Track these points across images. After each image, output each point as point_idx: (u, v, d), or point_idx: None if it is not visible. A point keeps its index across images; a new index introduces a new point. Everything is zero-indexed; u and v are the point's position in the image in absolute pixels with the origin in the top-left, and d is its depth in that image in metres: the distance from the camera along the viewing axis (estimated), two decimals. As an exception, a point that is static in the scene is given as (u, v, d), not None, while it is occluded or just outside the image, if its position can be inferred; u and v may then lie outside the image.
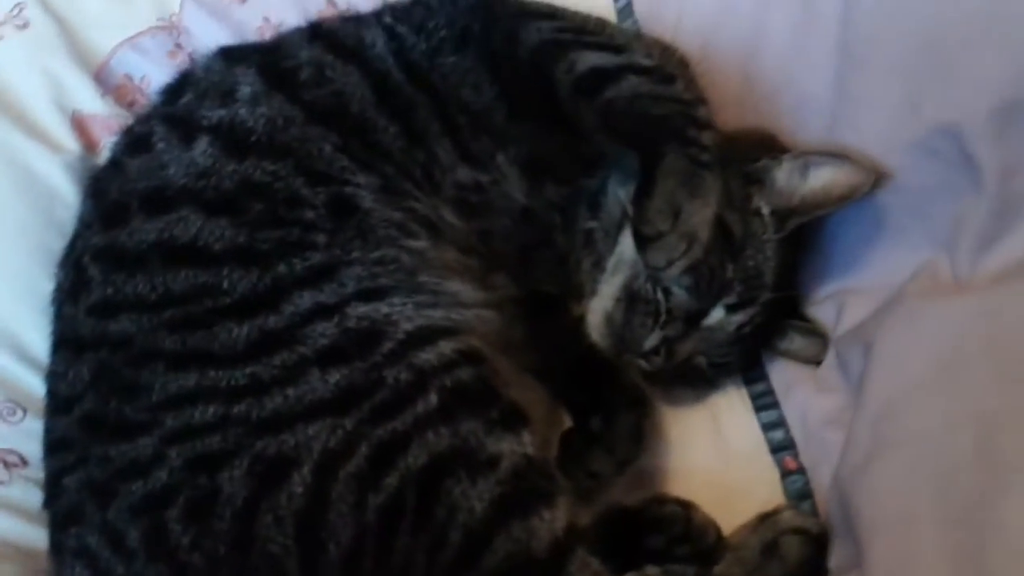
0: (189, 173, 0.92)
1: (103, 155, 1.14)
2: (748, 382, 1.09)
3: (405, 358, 0.85)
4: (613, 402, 0.95)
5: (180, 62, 1.26)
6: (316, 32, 1.06)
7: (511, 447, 0.83)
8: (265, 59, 1.01)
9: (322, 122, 0.96)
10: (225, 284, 0.87)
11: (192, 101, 0.98)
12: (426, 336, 0.87)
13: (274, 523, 0.79)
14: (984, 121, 0.90)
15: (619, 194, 1.04)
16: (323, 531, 0.79)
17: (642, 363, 1.00)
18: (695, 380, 1.06)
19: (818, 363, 1.05)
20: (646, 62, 1.01)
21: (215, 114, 0.95)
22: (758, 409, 1.06)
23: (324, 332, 0.85)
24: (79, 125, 1.17)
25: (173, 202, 0.91)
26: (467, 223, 1.00)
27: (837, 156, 0.99)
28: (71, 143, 1.14)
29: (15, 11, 1.24)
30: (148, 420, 0.83)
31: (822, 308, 1.07)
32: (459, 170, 1.00)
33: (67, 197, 1.09)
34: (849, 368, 0.98)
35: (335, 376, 0.83)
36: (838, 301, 1.05)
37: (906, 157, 0.97)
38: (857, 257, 1.04)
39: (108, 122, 1.18)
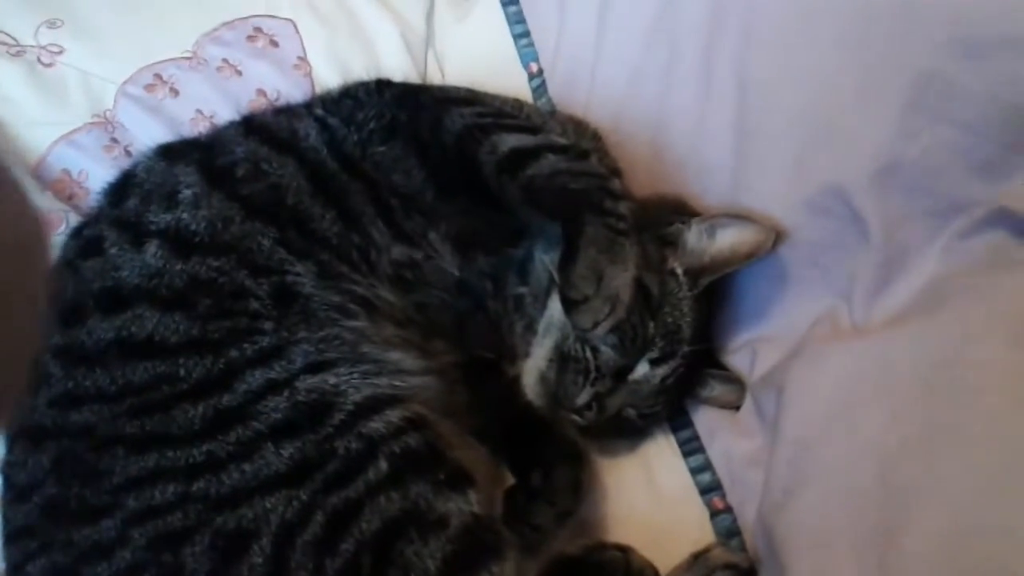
0: (142, 274, 0.97)
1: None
2: (675, 429, 1.17)
3: (355, 428, 0.90)
4: (551, 457, 1.02)
5: (116, 156, 1.31)
6: (250, 126, 1.12)
7: (458, 506, 0.88)
8: (203, 156, 1.07)
9: (260, 217, 1.02)
10: (181, 372, 0.91)
11: (138, 205, 1.03)
12: (373, 405, 0.92)
13: None
14: (866, 180, 1.01)
15: (545, 261, 1.12)
16: None
17: (576, 418, 1.07)
18: (626, 431, 1.13)
19: (737, 408, 1.13)
20: (561, 140, 1.11)
21: (161, 219, 1.00)
22: (686, 454, 1.14)
23: (276, 407, 0.90)
24: (20, 222, 1.20)
25: (128, 301, 0.95)
26: (404, 298, 1.07)
27: (740, 218, 1.09)
28: (14, 240, 1.18)
29: (-49, 110, 1.28)
30: (110, 503, 0.87)
31: (737, 356, 1.16)
32: (394, 249, 1.07)
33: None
34: (764, 411, 1.06)
35: (288, 449, 0.88)
36: (751, 349, 1.14)
37: (801, 215, 1.07)
38: (765, 308, 1.14)
39: (49, 217, 1.22)
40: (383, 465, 0.89)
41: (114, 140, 1.33)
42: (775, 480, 0.96)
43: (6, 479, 0.96)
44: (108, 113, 1.34)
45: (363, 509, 0.86)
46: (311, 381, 0.92)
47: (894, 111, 0.97)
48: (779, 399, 1.00)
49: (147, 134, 1.31)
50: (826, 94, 1.04)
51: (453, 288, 1.11)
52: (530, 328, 1.12)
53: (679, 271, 1.10)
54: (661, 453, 1.14)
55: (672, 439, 1.16)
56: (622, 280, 0.98)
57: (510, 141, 1.06)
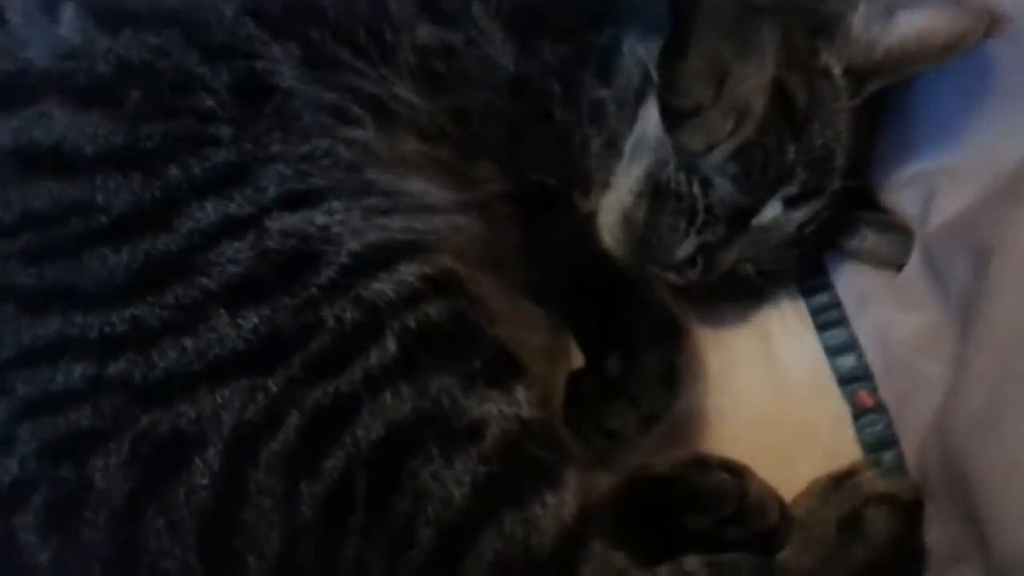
0: (54, 54, 0.68)
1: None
2: (807, 293, 0.85)
3: (351, 289, 0.62)
4: (636, 333, 0.72)
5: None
6: None
7: (500, 408, 0.62)
8: None
9: None
10: (99, 198, 0.63)
11: None
12: (380, 257, 0.64)
13: (168, 530, 0.57)
14: None
15: (639, 52, 0.78)
16: (237, 538, 0.58)
17: (672, 276, 0.76)
18: (739, 291, 0.82)
19: (899, 267, 0.81)
20: None
21: None
22: (821, 328, 0.83)
23: (235, 256, 0.62)
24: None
25: (34, 92, 0.67)
26: (434, 100, 0.75)
27: (936, -6, 0.73)
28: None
29: None
30: None
31: (903, 194, 0.81)
32: (420, 28, 0.74)
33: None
34: (946, 277, 0.74)
35: (252, 319, 0.60)
36: (926, 185, 0.79)
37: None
38: (954, 126, 0.78)
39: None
40: (391, 345, 0.61)
41: None
42: (973, 388, 0.64)
43: None
44: None
45: (360, 409, 0.60)
46: (289, 220, 0.63)
47: None
48: (980, 266, 0.68)
49: None
50: None
51: (506, 88, 0.78)
52: (612, 147, 0.80)
53: (836, 70, 0.75)
54: (786, 324, 0.84)
55: (802, 305, 0.85)
56: (755, 82, 0.71)
57: None
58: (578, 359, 0.76)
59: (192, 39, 0.68)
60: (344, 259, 0.62)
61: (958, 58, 0.73)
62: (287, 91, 0.68)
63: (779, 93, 0.72)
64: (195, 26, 0.69)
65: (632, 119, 0.79)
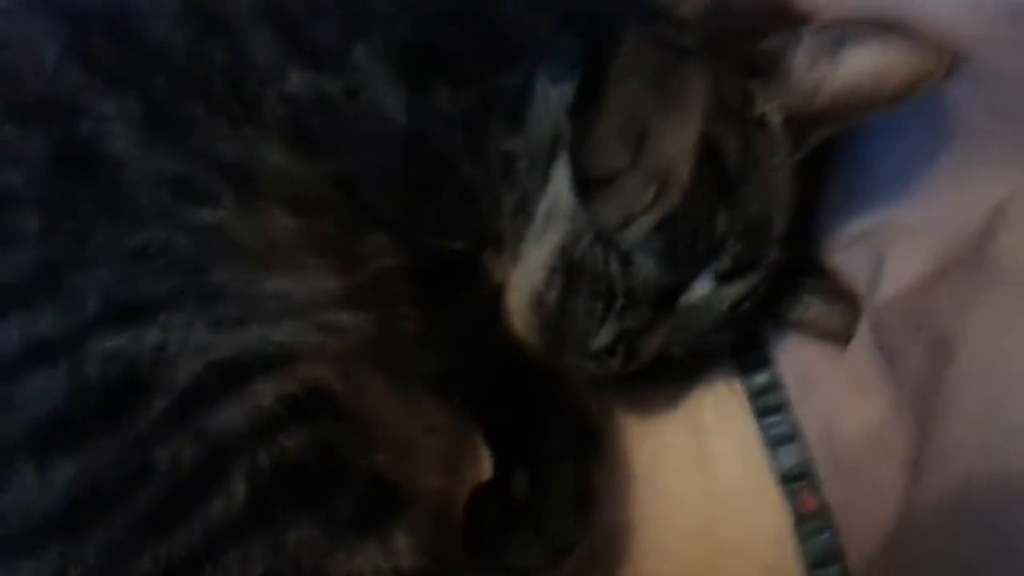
0: None
1: None
2: (745, 371, 0.76)
3: (190, 422, 0.51)
4: (547, 444, 0.62)
5: None
6: None
7: (374, 562, 0.51)
8: None
9: (44, 7, 0.59)
10: None
11: None
12: (228, 377, 0.53)
13: None
14: None
15: (551, 99, 0.68)
16: None
17: (590, 367, 0.67)
18: (668, 374, 0.73)
19: (846, 341, 0.72)
20: None
21: None
22: (761, 414, 0.74)
23: (45, 390, 0.50)
24: None
25: None
26: (309, 164, 0.63)
27: (885, 31, 0.64)
28: None
29: None
30: None
31: (850, 254, 0.73)
32: (290, 75, 0.63)
33: None
34: (899, 361, 0.66)
35: (65, 469, 0.49)
36: (876, 245, 0.71)
37: (993, 26, 0.64)
38: (907, 177, 0.70)
39: None
40: (239, 490, 0.50)
41: None
42: (933, 505, 0.56)
43: None
44: None
45: (200, 572, 0.48)
46: (113, 341, 0.51)
47: None
48: (939, 358, 0.59)
49: None
50: None
51: (398, 144, 0.67)
52: (523, 209, 0.70)
53: (775, 119, 0.66)
54: (721, 412, 0.75)
55: (738, 387, 0.76)
56: (680, 140, 0.62)
57: None
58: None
59: (4, 91, 0.57)
60: (182, 383, 0.51)
61: (913, 101, 0.64)
62: (118, 161, 0.56)
63: (708, 152, 0.63)
64: (7, 76, 0.57)
65: (545, 178, 0.69)
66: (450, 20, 0.67)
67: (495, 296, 0.70)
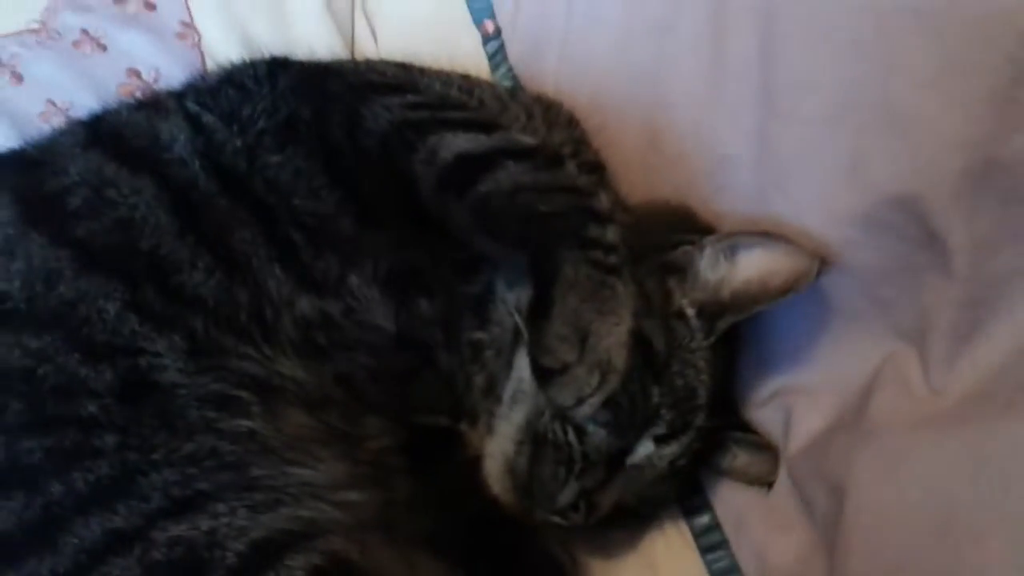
0: None
1: None
2: (689, 514, 0.89)
3: None
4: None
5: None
6: (96, 131, 0.82)
7: None
8: (23, 179, 0.77)
9: (102, 270, 0.73)
10: None
11: None
12: (267, 553, 0.64)
13: None
14: (948, 187, 0.72)
15: (509, 301, 0.83)
16: None
17: (557, 520, 0.79)
18: (623, 520, 0.85)
19: (769, 485, 0.86)
20: (526, 140, 0.81)
21: None
22: (704, 550, 0.87)
23: (126, 571, 0.61)
24: None
25: None
26: (318, 371, 0.77)
27: (770, 237, 0.80)
28: None
29: None
30: None
31: (765, 411, 0.88)
32: (299, 303, 0.77)
33: None
34: (811, 502, 0.79)
35: None
36: (784, 405, 0.86)
37: (854, 231, 0.79)
38: (805, 349, 0.86)
39: None
40: None
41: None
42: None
43: None
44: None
45: None
46: (174, 528, 0.63)
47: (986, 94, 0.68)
48: (835, 500, 0.73)
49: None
50: (894, 66, 0.74)
51: (388, 346, 0.81)
52: (492, 390, 0.84)
53: (690, 312, 0.81)
54: (672, 549, 0.88)
55: (685, 528, 0.88)
56: (615, 337, 0.72)
57: (455, 144, 0.78)
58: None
59: (74, 339, 0.69)
60: (231, 562, 0.63)
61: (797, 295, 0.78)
62: (170, 387, 0.69)
63: (638, 342, 0.75)
64: (76, 326, 0.70)
65: (509, 363, 0.83)
66: (422, 246, 0.82)
67: (473, 463, 0.83)
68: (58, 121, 1.02)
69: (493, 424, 0.82)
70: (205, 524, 0.64)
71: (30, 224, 0.73)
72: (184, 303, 0.73)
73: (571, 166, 0.81)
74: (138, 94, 1.00)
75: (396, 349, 0.82)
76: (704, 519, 0.88)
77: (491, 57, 1.14)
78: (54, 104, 1.04)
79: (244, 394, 0.72)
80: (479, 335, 0.85)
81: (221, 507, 0.65)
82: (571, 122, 0.96)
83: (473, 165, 0.76)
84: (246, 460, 0.69)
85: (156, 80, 1.07)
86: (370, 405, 0.81)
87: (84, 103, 1.01)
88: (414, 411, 0.84)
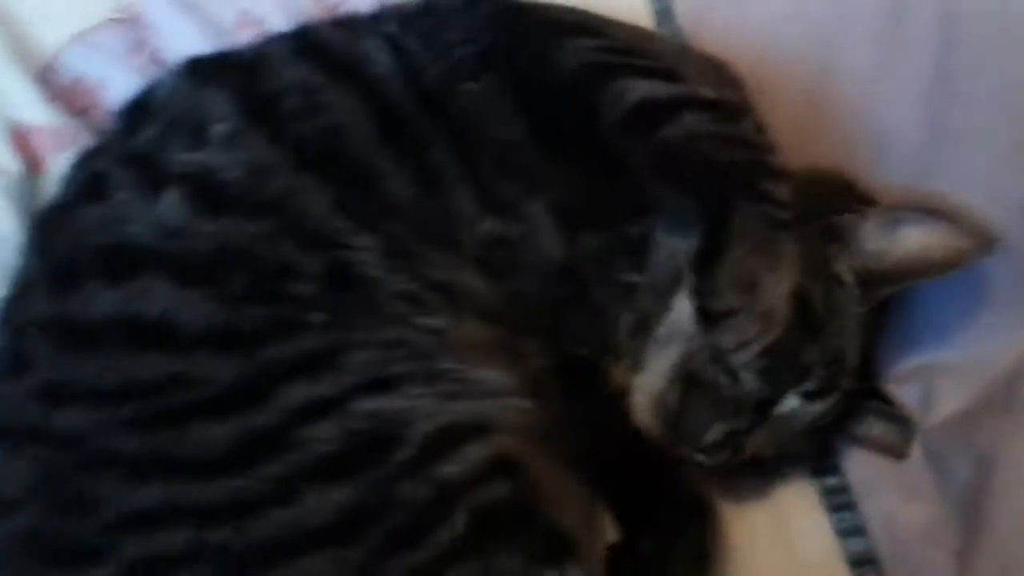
0: (156, 232, 0.74)
1: (50, 177, 0.95)
2: (818, 474, 0.92)
3: (424, 469, 0.68)
4: (670, 514, 0.79)
5: (142, 63, 1.07)
6: (304, 43, 0.87)
7: None
8: (242, 80, 0.83)
9: (313, 169, 0.78)
10: (200, 373, 0.69)
11: (156, 138, 0.80)
12: (450, 439, 0.70)
13: None
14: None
15: (670, 246, 0.87)
16: None
17: (701, 457, 0.83)
18: (756, 471, 0.89)
19: (902, 455, 0.89)
20: (708, 94, 0.85)
21: (184, 160, 0.78)
22: (831, 509, 0.90)
23: (324, 435, 0.68)
24: (19, 139, 0.97)
25: (137, 267, 0.73)
26: (493, 285, 0.83)
27: (934, 215, 0.82)
28: (10, 162, 0.94)
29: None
30: (102, 545, 0.65)
31: (903, 388, 0.90)
32: (484, 222, 0.83)
33: (4, 227, 0.89)
34: (949, 474, 0.81)
35: (337, 493, 0.66)
36: (924, 380, 0.88)
37: (1013, 214, 0.81)
38: (950, 327, 0.87)
39: (56, 135, 0.99)
40: (460, 523, 0.67)
41: (140, 43, 1.08)
42: (983, 570, 0.72)
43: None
44: (133, 8, 1.09)
45: None
46: (369, 404, 0.69)
47: None
48: (981, 470, 0.76)
49: (181, 38, 1.08)
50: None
51: (554, 274, 0.86)
52: (642, 328, 0.87)
53: (848, 278, 0.84)
54: (800, 504, 0.90)
55: (814, 486, 0.91)
56: (780, 290, 0.75)
57: (640, 88, 0.82)
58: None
59: (288, 228, 0.75)
60: (418, 441, 0.68)
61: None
62: (372, 280, 0.75)
63: (799, 299, 0.78)
64: (290, 217, 0.76)
65: (663, 305, 0.86)
66: (595, 184, 0.87)
67: (617, 396, 0.88)
68: (250, 31, 1.08)
69: (643, 360, 0.86)
70: (397, 403, 0.70)
71: (250, 121, 0.79)
72: (383, 208, 0.79)
73: (749, 121, 0.84)
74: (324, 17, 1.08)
75: (558, 278, 0.86)
76: (833, 480, 0.91)
77: (657, 16, 1.17)
78: (248, 16, 1.09)
79: (432, 296, 0.78)
80: (634, 277, 0.89)
81: (412, 390, 0.71)
82: (736, 84, 0.98)
83: (656, 110, 0.80)
84: (434, 353, 0.74)
85: (339, 2, 1.12)
86: (530, 327, 0.86)
87: (275, 21, 1.08)
88: (564, 339, 0.88)
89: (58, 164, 0.95)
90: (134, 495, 0.66)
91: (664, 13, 1.17)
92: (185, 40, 1.06)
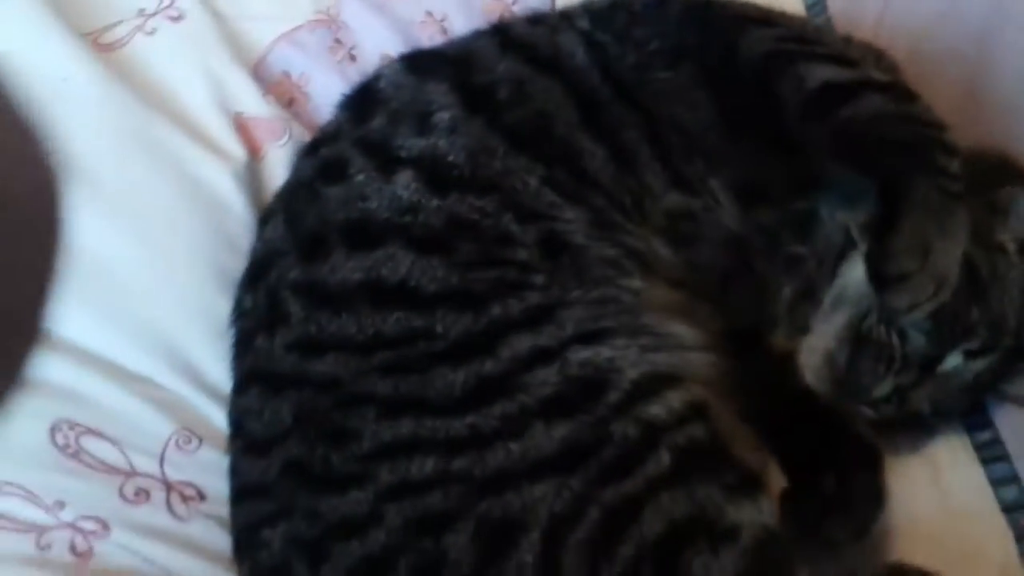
0: (392, 208, 0.86)
1: (268, 163, 1.08)
2: (971, 429, 0.99)
3: (632, 411, 0.77)
4: (847, 457, 0.87)
5: (340, 59, 1.19)
6: (506, 39, 0.98)
7: (751, 516, 0.76)
8: (457, 73, 0.94)
9: (526, 150, 0.89)
10: (439, 327, 0.80)
11: (385, 126, 0.92)
12: (652, 386, 0.79)
13: None
14: None
15: (838, 219, 0.95)
16: None
17: (867, 411, 0.91)
18: (912, 426, 0.96)
19: (1054, 415, 0.95)
20: (883, 77, 0.92)
21: (413, 144, 0.89)
22: (985, 461, 0.96)
23: (546, 380, 0.78)
24: (242, 128, 1.09)
25: (378, 238, 0.84)
26: (677, 254, 0.92)
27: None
28: (237, 149, 1.07)
29: (168, 1, 1.17)
30: (360, 472, 0.77)
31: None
32: (670, 196, 0.92)
33: (237, 209, 1.02)
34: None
35: (560, 430, 0.76)
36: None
37: None
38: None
39: (271, 125, 1.11)
40: (665, 458, 0.76)
41: (338, 41, 1.20)
42: None
43: (239, 426, 0.88)
44: (332, 10, 1.21)
45: (644, 508, 0.74)
46: (584, 353, 0.79)
47: None
48: None
49: (372, 36, 1.19)
50: None
51: (725, 245, 0.95)
52: (806, 296, 0.96)
53: (1011, 247, 0.91)
54: (954, 457, 0.97)
55: (967, 441, 0.98)
56: (952, 256, 0.82)
57: (821, 73, 0.89)
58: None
59: (506, 203, 0.86)
60: (626, 386, 0.78)
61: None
62: (580, 247, 0.85)
63: (967, 265, 0.85)
64: (508, 192, 0.87)
65: (829, 273, 0.94)
66: (772, 162, 0.95)
67: (782, 358, 0.96)
68: (432, 32, 1.20)
69: (807, 326, 0.94)
70: (607, 352, 0.80)
71: (470, 109, 0.90)
72: (587, 184, 0.89)
73: (922, 102, 0.91)
74: (500, 13, 1.18)
75: (733, 248, 0.95)
76: (986, 435, 0.98)
77: (810, 7, 1.24)
78: (431, 15, 1.21)
79: (629, 262, 0.88)
80: (798, 249, 0.97)
81: (620, 342, 0.80)
82: (894, 69, 1.05)
83: (837, 93, 0.88)
84: (635, 310, 0.84)
85: (514, 2, 1.22)
86: (706, 293, 0.95)
87: (456, 19, 1.19)
88: (730, 307, 0.97)
89: (274, 151, 1.08)
90: (388, 429, 0.77)
91: (816, 5, 1.23)
92: (378, 39, 1.18)
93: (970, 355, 0.90)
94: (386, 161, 0.88)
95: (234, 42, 1.15)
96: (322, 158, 0.94)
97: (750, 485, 0.78)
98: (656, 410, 0.78)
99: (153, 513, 0.88)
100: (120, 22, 1.11)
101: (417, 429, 0.77)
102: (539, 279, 0.83)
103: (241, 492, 0.85)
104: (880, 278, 0.84)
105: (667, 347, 0.83)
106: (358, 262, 0.84)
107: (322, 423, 0.80)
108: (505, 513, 0.74)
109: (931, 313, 0.84)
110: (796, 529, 0.83)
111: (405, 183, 0.87)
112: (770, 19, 0.98)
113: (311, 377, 0.82)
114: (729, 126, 0.92)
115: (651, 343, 0.82)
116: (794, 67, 0.90)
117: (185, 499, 0.91)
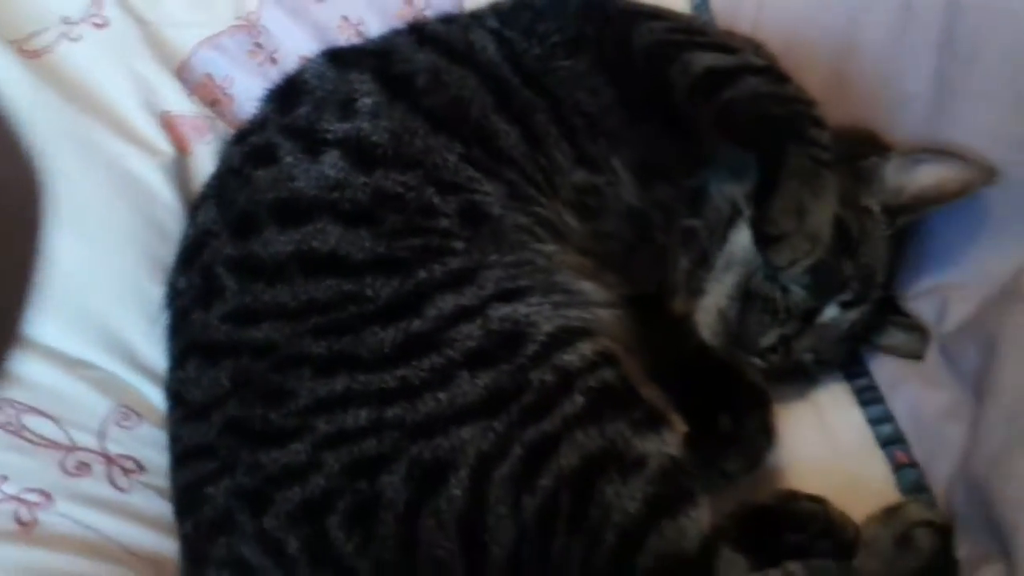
0: (321, 186, 0.92)
1: (195, 158, 1.14)
2: (850, 377, 1.10)
3: (548, 359, 0.85)
4: (740, 400, 0.96)
5: (261, 62, 1.25)
6: (423, 35, 1.06)
7: (656, 447, 0.84)
8: (378, 64, 1.01)
9: (445, 131, 0.97)
10: (368, 291, 0.87)
11: (310, 113, 0.99)
12: (566, 338, 0.87)
13: (436, 527, 0.79)
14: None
15: (725, 192, 1.05)
16: (484, 533, 0.79)
17: (757, 361, 1.01)
18: (798, 376, 1.07)
19: (919, 358, 1.06)
20: (759, 62, 1.03)
21: (338, 128, 0.96)
22: (863, 404, 1.08)
23: (469, 334, 0.85)
24: (169, 126, 1.15)
25: (308, 213, 0.91)
26: (584, 225, 1.01)
27: (947, 154, 1.00)
28: (165, 145, 1.12)
29: (93, 9, 1.21)
30: (298, 425, 0.83)
31: (922, 303, 1.08)
32: (576, 173, 1.01)
33: (167, 200, 1.08)
34: (960, 364, 0.99)
35: (483, 379, 0.84)
36: (940, 297, 1.06)
37: (1012, 153, 0.98)
38: (958, 252, 1.05)
39: (197, 122, 1.17)
40: (579, 399, 0.84)
41: (258, 45, 1.26)
42: (991, 433, 0.89)
43: (177, 396, 0.93)
44: (252, 16, 1.27)
45: (560, 444, 0.82)
46: (503, 310, 0.87)
47: None
48: (989, 350, 0.93)
49: (292, 40, 1.26)
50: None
51: (627, 217, 1.05)
52: (701, 263, 1.06)
53: (876, 209, 1.02)
54: (836, 401, 1.08)
55: (847, 387, 1.10)
56: (824, 216, 0.92)
57: (705, 60, 0.99)
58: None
59: (429, 178, 0.93)
60: (542, 338, 0.86)
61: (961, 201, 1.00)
62: (497, 217, 0.94)
63: (838, 224, 0.95)
64: (429, 168, 0.94)
65: (720, 240, 1.04)
66: (666, 142, 1.05)
67: (680, 320, 1.05)
68: (349, 35, 1.27)
69: (701, 287, 1.04)
70: (524, 309, 0.87)
71: (391, 95, 0.98)
72: (502, 161, 0.97)
73: (793, 83, 1.03)
74: (413, 17, 1.26)
75: (634, 221, 1.05)
76: (863, 381, 1.09)
77: (696, 6, 1.35)
78: (347, 20, 1.28)
79: (542, 231, 0.96)
80: (692, 222, 1.07)
81: (535, 299, 0.88)
82: (774, 59, 1.17)
83: (720, 77, 0.98)
84: (550, 270, 0.92)
85: (424, 8, 1.30)
86: (611, 262, 1.04)
87: (371, 23, 1.27)
88: (633, 276, 1.06)
89: (201, 148, 1.14)
90: (323, 386, 0.84)
91: (701, 5, 1.35)
92: (297, 42, 1.24)
93: (845, 306, 1.01)
94: (313, 143, 0.95)
95: (158, 47, 1.20)
96: (251, 144, 1.00)
97: (655, 420, 0.86)
98: (569, 358, 0.86)
99: (95, 485, 0.93)
100: (45, 29, 1.15)
101: (351, 384, 0.83)
102: (460, 245, 0.90)
103: (183, 456, 0.90)
104: (762, 239, 0.93)
105: (578, 304, 0.92)
106: (289, 236, 0.90)
107: (260, 385, 0.86)
108: (435, 454, 0.81)
109: (809, 268, 0.94)
110: (696, 464, 0.92)
111: (332, 162, 0.94)
112: (659, 14, 1.09)
113: (248, 344, 0.88)
114: (626, 109, 1.02)
115: (564, 300, 0.91)
116: (681, 55, 1.00)
117: (126, 472, 0.96)
